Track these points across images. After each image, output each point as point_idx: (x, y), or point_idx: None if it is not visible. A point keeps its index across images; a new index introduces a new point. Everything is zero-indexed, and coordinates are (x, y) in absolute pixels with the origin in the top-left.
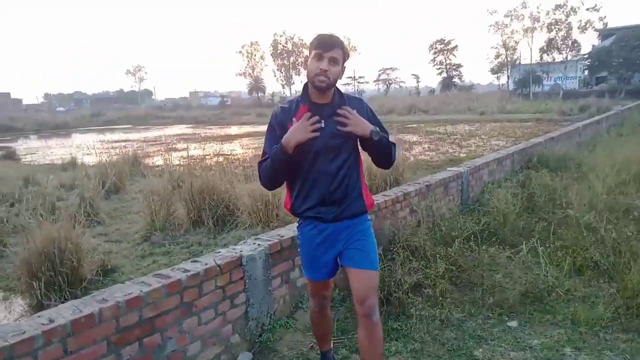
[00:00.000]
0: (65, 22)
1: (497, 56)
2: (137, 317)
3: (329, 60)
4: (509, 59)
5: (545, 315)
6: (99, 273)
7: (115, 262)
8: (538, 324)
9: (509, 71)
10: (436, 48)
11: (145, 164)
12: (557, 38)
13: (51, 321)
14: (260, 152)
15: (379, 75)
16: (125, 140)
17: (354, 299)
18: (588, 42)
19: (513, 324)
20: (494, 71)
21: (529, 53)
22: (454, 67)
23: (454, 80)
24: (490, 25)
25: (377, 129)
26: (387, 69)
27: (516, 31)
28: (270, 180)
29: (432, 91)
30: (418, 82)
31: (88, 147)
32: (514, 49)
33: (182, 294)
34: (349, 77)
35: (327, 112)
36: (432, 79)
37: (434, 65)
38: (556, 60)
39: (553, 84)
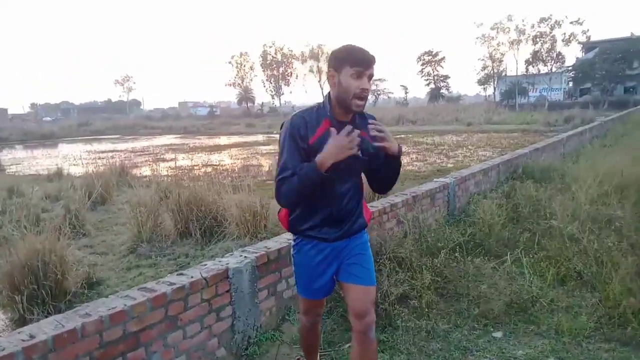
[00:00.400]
0: (52, 32)
1: (484, 68)
2: (121, 332)
3: (368, 78)
4: (495, 70)
5: (530, 326)
6: (84, 286)
7: (101, 274)
8: (522, 335)
9: (496, 82)
10: (424, 59)
11: (132, 175)
12: (542, 50)
13: (32, 337)
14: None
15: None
16: (113, 151)
17: (351, 314)
18: (572, 54)
19: (498, 334)
20: (480, 82)
21: (514, 65)
22: (442, 78)
23: (441, 91)
24: (477, 38)
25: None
26: (375, 80)
27: (502, 43)
28: (295, 199)
29: (405, 102)
30: (406, 92)
31: (74, 158)
32: (500, 61)
33: (167, 307)
34: None
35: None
36: (420, 90)
37: (422, 76)
38: (541, 72)
39: (538, 95)
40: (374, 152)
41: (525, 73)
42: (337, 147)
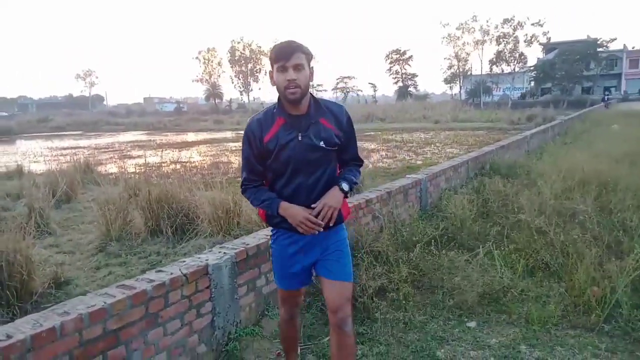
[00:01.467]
0: (7, 23)
1: (450, 67)
2: (101, 330)
3: (293, 69)
4: (460, 69)
5: (502, 315)
6: (51, 286)
7: (69, 274)
8: (495, 324)
9: (461, 81)
10: (392, 58)
11: (98, 172)
12: (505, 50)
13: (9, 337)
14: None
15: (337, 84)
16: (76, 147)
17: (328, 308)
18: (534, 55)
19: (472, 324)
20: (447, 81)
21: (479, 64)
22: (409, 76)
23: (409, 89)
24: (443, 37)
25: (345, 183)
26: (344, 77)
27: (467, 43)
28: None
29: (374, 100)
30: (375, 90)
31: (35, 154)
32: (466, 60)
33: (148, 304)
34: None
35: (305, 124)
36: (388, 88)
37: (390, 74)
38: (505, 71)
39: (502, 94)
40: (339, 143)
41: (489, 72)
42: (297, 217)
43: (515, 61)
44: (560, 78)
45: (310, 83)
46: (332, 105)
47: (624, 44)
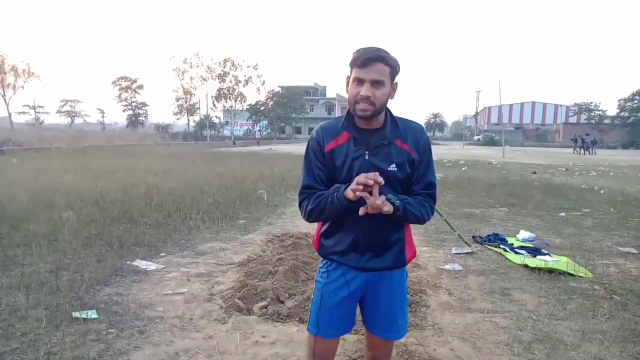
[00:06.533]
0: None
1: (178, 99)
2: None
3: (371, 84)
4: (188, 103)
5: None
6: None
7: None
8: None
9: (188, 115)
10: (120, 85)
11: None
12: (226, 88)
13: None
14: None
15: (61, 107)
16: None
17: (366, 356)
18: (253, 94)
19: None
20: (174, 113)
21: (204, 99)
22: (140, 105)
23: (140, 118)
24: (174, 70)
25: (395, 197)
26: (69, 100)
27: (193, 78)
28: (317, 219)
29: (102, 126)
30: (104, 116)
31: None
32: (192, 94)
33: None
34: (25, 106)
35: (374, 141)
36: (118, 115)
37: (119, 101)
38: (227, 107)
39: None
40: (413, 167)
41: (213, 108)
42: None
43: (235, 99)
44: (273, 117)
45: (390, 100)
46: (409, 122)
47: (337, 93)
